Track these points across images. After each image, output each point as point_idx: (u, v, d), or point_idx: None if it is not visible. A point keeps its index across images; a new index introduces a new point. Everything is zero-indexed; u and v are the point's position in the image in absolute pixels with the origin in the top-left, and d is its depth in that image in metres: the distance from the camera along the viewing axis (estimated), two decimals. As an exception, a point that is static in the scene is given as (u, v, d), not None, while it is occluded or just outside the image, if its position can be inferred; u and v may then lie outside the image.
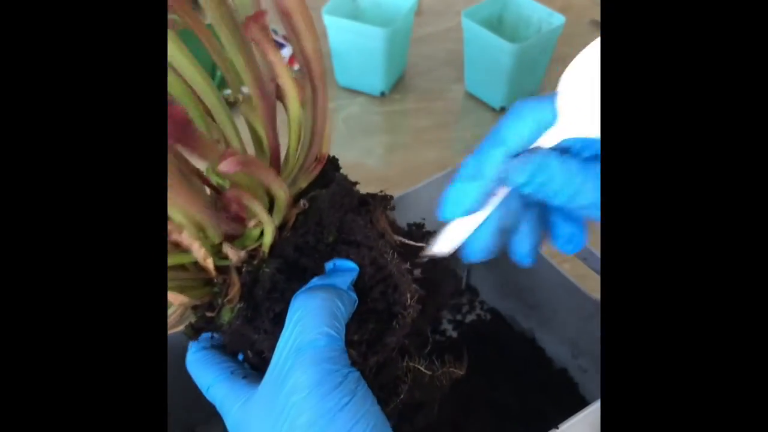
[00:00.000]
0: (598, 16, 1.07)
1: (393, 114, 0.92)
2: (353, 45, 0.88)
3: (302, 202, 0.36)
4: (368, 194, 0.39)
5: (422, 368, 0.36)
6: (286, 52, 0.92)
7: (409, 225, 0.42)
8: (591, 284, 0.55)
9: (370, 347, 0.34)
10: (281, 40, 0.93)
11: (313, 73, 0.34)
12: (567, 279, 0.58)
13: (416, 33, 1.00)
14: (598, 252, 0.52)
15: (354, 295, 0.35)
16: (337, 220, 0.36)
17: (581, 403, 0.61)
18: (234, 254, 0.35)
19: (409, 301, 0.35)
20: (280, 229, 0.36)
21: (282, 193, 0.34)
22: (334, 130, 0.89)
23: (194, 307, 0.37)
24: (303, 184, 0.37)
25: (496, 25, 0.93)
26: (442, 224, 0.34)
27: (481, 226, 0.32)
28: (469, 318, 0.69)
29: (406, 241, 0.38)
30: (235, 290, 0.35)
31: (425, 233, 0.41)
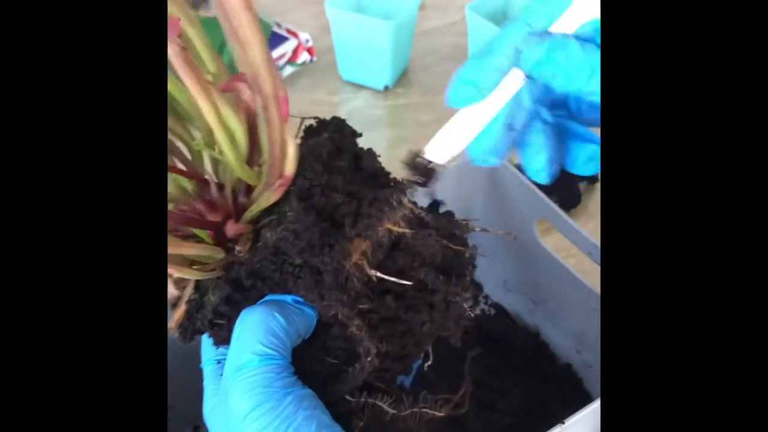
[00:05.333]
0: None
1: (397, 108, 0.91)
2: (357, 39, 0.87)
3: (237, 249, 0.32)
4: (347, 217, 0.32)
5: (385, 406, 0.32)
6: (290, 46, 0.91)
7: (430, 207, 0.36)
8: (596, 279, 0.55)
9: (323, 385, 0.32)
10: (284, 33, 0.92)
11: (262, 90, 0.29)
12: (572, 274, 0.58)
13: (420, 27, 0.99)
14: (603, 247, 0.51)
15: (309, 311, 0.32)
16: (296, 253, 0.31)
17: (586, 399, 0.61)
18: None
19: (369, 356, 0.31)
20: (235, 242, 0.33)
21: (195, 251, 0.31)
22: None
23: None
24: (264, 203, 0.32)
25: (501, 19, 0.92)
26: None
27: (490, 122, 0.30)
28: (473, 313, 0.69)
29: (384, 276, 0.32)
30: (178, 315, 0.34)
31: (442, 215, 0.36)
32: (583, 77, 0.28)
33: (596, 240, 0.52)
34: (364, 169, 0.36)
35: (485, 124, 0.31)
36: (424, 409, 0.32)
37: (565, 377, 0.63)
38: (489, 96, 0.30)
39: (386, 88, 0.93)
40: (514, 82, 0.30)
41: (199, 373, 0.39)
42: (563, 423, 0.38)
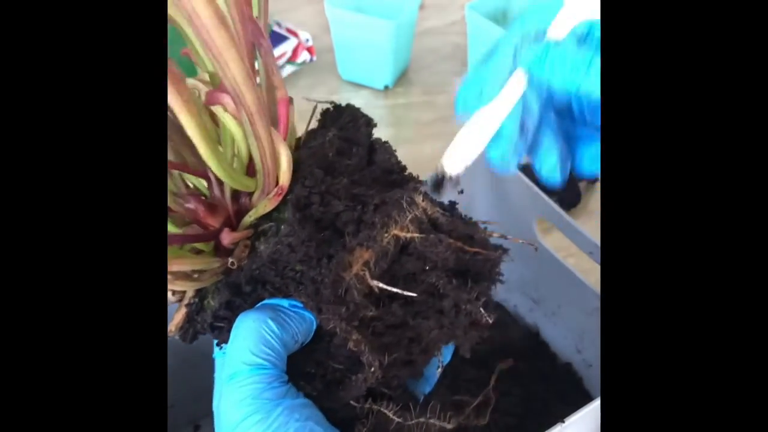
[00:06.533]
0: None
1: (397, 108, 0.91)
2: (357, 38, 0.87)
3: (230, 261, 0.31)
4: (348, 225, 0.31)
5: (390, 413, 0.31)
6: (290, 45, 0.91)
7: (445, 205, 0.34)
8: (596, 278, 0.55)
9: (326, 389, 0.31)
10: (284, 33, 0.92)
11: (245, 105, 0.28)
12: (572, 273, 0.58)
13: (420, 26, 0.99)
14: (603, 246, 0.51)
15: (308, 315, 0.31)
16: (296, 261, 0.30)
17: (586, 398, 0.61)
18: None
19: (372, 369, 0.30)
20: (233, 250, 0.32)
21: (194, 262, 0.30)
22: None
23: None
24: (262, 210, 0.32)
25: (501, 18, 0.92)
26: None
27: (503, 126, 0.30)
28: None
29: (388, 288, 0.31)
30: (179, 318, 0.33)
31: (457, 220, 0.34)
32: (580, 73, 0.28)
33: (596, 239, 0.52)
34: (378, 163, 0.35)
35: (496, 127, 0.31)
36: (431, 421, 0.31)
37: (565, 376, 0.63)
38: (496, 98, 0.30)
39: (386, 87, 0.93)
40: (518, 82, 0.30)
41: (199, 373, 0.40)
42: (563, 422, 0.38)
